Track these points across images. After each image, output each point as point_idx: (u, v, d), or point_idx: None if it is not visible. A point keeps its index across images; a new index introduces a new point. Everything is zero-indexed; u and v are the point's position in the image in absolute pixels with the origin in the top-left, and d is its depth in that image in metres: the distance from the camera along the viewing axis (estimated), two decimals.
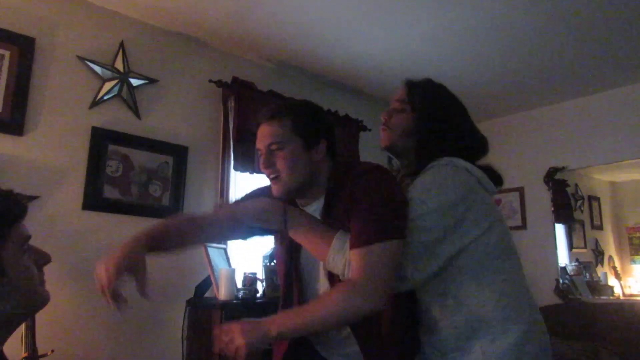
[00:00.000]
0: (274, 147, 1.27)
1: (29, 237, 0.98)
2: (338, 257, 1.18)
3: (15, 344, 1.91)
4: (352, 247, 1.16)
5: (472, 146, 1.40)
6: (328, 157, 1.34)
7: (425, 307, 1.30)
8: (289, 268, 1.41)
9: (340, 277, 1.20)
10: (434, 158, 1.30)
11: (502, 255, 1.27)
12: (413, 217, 1.19)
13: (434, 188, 1.23)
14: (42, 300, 0.98)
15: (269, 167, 1.28)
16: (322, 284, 1.34)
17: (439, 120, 1.37)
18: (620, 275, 5.57)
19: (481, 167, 1.34)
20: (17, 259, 0.93)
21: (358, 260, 1.13)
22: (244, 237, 1.54)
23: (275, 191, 1.30)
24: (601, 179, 5.97)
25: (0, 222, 0.91)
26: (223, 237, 1.65)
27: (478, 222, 1.24)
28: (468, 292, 1.23)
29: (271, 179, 1.30)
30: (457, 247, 1.21)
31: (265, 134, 1.30)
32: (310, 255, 1.31)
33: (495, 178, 1.36)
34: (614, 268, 5.63)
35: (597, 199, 5.77)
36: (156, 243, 1.48)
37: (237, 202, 1.54)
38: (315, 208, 1.33)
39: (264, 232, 1.44)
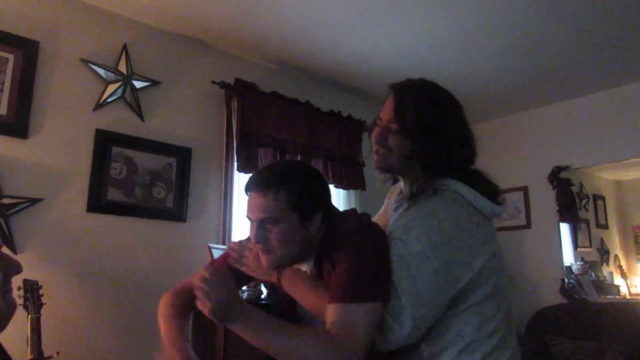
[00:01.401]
0: (268, 221, 1.19)
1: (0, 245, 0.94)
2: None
3: (20, 345, 1.92)
4: (330, 301, 1.12)
5: (470, 154, 1.32)
6: (322, 224, 1.26)
7: None
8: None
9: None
10: (439, 176, 1.24)
11: (495, 296, 1.19)
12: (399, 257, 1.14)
13: (417, 227, 1.17)
14: (5, 310, 0.92)
15: (261, 242, 1.21)
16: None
17: (436, 142, 1.25)
18: (626, 275, 5.54)
19: (478, 181, 1.27)
20: None
21: (335, 315, 1.10)
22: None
23: (265, 263, 1.24)
24: (606, 178, 5.95)
25: None
26: None
27: (470, 262, 1.15)
28: (454, 333, 1.16)
29: (261, 251, 1.23)
30: (449, 293, 1.13)
31: (258, 207, 1.20)
32: None
33: (492, 193, 1.27)
34: (620, 267, 5.60)
35: (602, 198, 5.74)
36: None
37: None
38: (305, 269, 1.30)
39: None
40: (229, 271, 1.22)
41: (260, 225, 1.19)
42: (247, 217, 1.24)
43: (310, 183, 1.25)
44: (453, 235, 1.16)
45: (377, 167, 1.35)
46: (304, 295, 1.24)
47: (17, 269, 0.97)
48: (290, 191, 1.19)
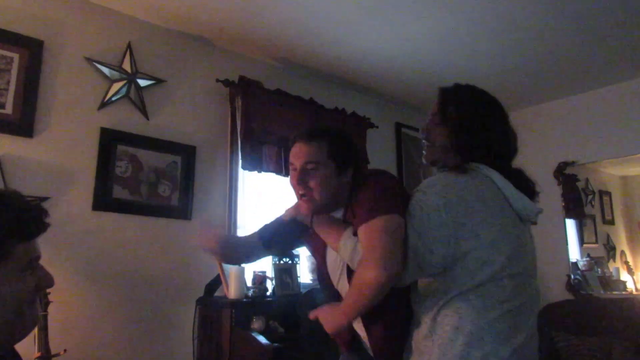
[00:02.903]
0: (310, 166, 1.39)
1: (38, 257, 0.93)
2: (348, 243, 1.29)
3: (28, 343, 1.93)
4: (356, 231, 1.26)
5: (508, 152, 1.40)
6: (352, 180, 1.45)
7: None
8: (320, 271, 1.58)
9: (349, 263, 1.32)
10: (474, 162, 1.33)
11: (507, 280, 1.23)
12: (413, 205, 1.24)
13: (438, 185, 1.27)
14: (29, 323, 0.93)
15: (301, 184, 1.40)
16: (343, 284, 1.46)
17: (474, 134, 1.35)
18: (633, 270, 5.51)
19: (515, 177, 1.34)
20: (15, 276, 0.87)
21: (362, 239, 1.23)
22: (280, 252, 1.71)
23: (304, 208, 1.43)
24: (612, 173, 5.91)
25: (10, 235, 0.86)
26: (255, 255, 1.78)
27: (478, 233, 1.21)
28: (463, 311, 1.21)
29: (301, 195, 1.41)
30: (451, 249, 1.20)
31: (302, 152, 1.41)
32: (334, 261, 1.47)
33: (526, 190, 1.35)
34: (626, 263, 5.57)
35: (608, 194, 5.71)
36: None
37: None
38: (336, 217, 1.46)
39: (295, 244, 1.70)
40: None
41: (303, 169, 1.39)
42: (291, 163, 1.44)
43: (347, 141, 1.48)
44: (469, 201, 1.23)
45: (425, 161, 1.47)
46: (329, 233, 1.39)
47: (49, 283, 0.97)
48: (331, 143, 1.41)
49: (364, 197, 1.31)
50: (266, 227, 1.65)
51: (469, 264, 1.20)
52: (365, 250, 1.21)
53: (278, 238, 1.62)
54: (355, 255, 1.26)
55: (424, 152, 1.46)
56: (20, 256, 0.88)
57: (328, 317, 1.32)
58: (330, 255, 1.50)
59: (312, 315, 1.36)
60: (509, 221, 1.27)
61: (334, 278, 1.50)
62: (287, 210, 1.53)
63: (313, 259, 1.72)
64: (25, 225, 0.89)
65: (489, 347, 1.18)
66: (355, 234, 1.28)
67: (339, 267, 1.46)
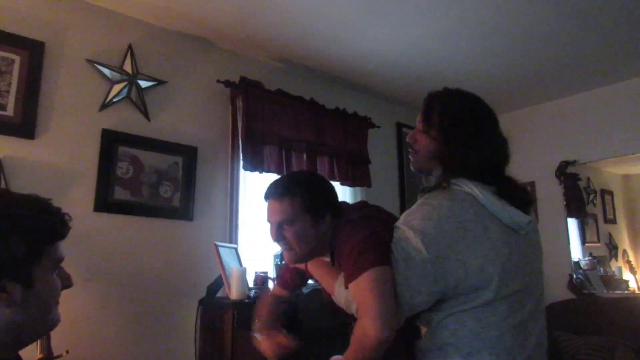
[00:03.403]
0: (285, 223, 1.40)
1: (62, 258, 0.99)
2: (341, 293, 1.32)
3: (30, 345, 1.93)
4: (346, 287, 1.27)
5: (496, 161, 1.33)
6: (333, 221, 1.44)
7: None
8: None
9: (346, 310, 1.34)
10: (455, 176, 1.29)
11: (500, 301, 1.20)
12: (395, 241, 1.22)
13: (417, 217, 1.23)
14: (52, 322, 0.99)
15: (280, 240, 1.42)
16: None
17: (459, 144, 1.30)
18: (635, 269, 5.50)
19: (506, 187, 1.28)
20: (47, 276, 0.94)
21: (353, 296, 1.24)
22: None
23: (287, 259, 1.47)
24: (614, 172, 5.91)
25: (43, 238, 0.92)
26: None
27: (464, 262, 1.17)
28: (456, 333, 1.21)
29: (284, 249, 1.45)
30: (437, 285, 1.17)
31: (276, 211, 1.41)
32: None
33: (518, 202, 1.27)
34: (629, 262, 5.56)
35: (610, 193, 5.71)
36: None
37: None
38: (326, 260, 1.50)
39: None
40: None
41: (279, 226, 1.40)
42: (268, 220, 1.44)
43: (319, 188, 1.46)
44: (449, 231, 1.18)
45: (412, 168, 1.46)
46: (322, 277, 1.46)
47: (69, 283, 1.03)
48: (303, 197, 1.40)
49: (347, 249, 1.28)
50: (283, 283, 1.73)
51: (460, 293, 1.19)
52: (360, 307, 1.21)
53: (297, 284, 1.71)
54: (351, 304, 1.27)
55: (410, 158, 1.44)
56: (52, 257, 0.95)
57: None
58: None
59: None
60: (498, 239, 1.20)
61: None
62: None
63: None
64: (55, 228, 0.97)
65: None
66: (346, 286, 1.27)
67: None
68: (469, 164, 1.28)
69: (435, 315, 1.24)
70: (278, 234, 1.41)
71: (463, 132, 1.31)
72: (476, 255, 1.17)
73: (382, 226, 1.30)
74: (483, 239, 1.19)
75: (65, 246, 1.01)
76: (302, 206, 1.39)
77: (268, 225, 1.45)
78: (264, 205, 1.47)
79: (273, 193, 1.43)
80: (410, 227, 1.21)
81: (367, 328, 1.15)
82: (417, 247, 1.17)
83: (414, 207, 1.28)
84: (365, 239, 1.25)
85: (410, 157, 1.44)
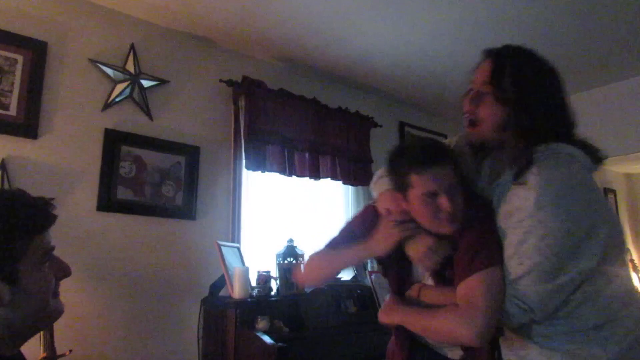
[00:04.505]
0: (453, 189, 1.24)
1: (52, 248, 0.97)
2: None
3: (33, 344, 1.94)
4: (456, 284, 1.21)
5: (570, 124, 1.26)
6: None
7: None
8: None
9: None
10: (535, 144, 1.17)
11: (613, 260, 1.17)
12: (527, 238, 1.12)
13: (549, 202, 1.11)
14: (53, 313, 0.97)
15: (454, 208, 1.23)
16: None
17: (537, 108, 1.18)
18: (638, 268, 5.49)
19: (579, 144, 1.21)
20: (34, 271, 0.91)
21: (460, 294, 1.19)
22: None
23: (450, 230, 1.26)
24: (616, 171, 5.90)
25: (21, 232, 0.89)
26: None
27: (608, 220, 1.15)
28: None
29: (446, 220, 1.25)
30: (582, 269, 1.11)
31: (444, 177, 1.23)
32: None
33: (595, 156, 1.22)
34: (631, 261, 5.55)
35: (613, 191, 5.70)
36: None
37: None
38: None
39: None
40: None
41: (448, 192, 1.22)
42: (430, 192, 1.23)
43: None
44: (589, 199, 1.14)
45: (469, 142, 1.30)
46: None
47: (66, 272, 1.01)
48: (456, 159, 1.28)
49: (467, 242, 1.22)
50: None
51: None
52: (463, 302, 1.17)
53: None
54: None
55: (466, 130, 1.27)
56: (36, 250, 0.92)
57: (386, 308, 1.35)
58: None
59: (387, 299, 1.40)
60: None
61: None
62: (386, 240, 1.35)
63: None
64: (34, 221, 0.93)
65: None
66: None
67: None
68: (551, 129, 1.19)
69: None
70: (452, 202, 1.22)
71: (541, 96, 1.20)
72: (609, 212, 1.20)
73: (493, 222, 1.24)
74: (603, 197, 1.21)
75: (67, 245, 1.00)
76: (456, 173, 1.28)
77: (429, 196, 1.23)
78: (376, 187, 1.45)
79: (434, 160, 1.24)
80: (550, 215, 1.11)
81: (462, 324, 1.13)
82: (568, 234, 1.11)
83: (530, 188, 1.13)
84: (486, 233, 1.22)
85: (467, 129, 1.27)
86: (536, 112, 1.18)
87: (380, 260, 1.54)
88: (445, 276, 1.30)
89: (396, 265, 1.44)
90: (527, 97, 1.18)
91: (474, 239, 1.22)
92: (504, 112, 1.20)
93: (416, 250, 1.29)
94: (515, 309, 1.13)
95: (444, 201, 1.22)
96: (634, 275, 5.27)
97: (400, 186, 1.30)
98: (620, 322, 1.14)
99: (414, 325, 1.28)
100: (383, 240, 1.34)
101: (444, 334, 1.19)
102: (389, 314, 1.35)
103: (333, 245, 1.48)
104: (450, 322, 1.16)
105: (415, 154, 1.27)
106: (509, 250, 1.16)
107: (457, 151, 1.37)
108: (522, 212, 1.13)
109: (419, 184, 1.23)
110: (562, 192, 1.12)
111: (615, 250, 1.19)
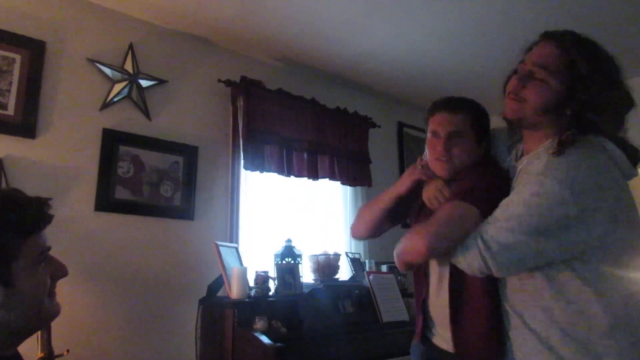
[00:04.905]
0: (455, 135, 1.42)
1: (48, 248, 0.96)
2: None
3: (31, 344, 1.93)
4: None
5: (619, 120, 1.24)
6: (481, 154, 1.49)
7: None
8: None
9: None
10: (581, 133, 1.17)
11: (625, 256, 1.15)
12: (526, 197, 1.14)
13: (560, 169, 1.12)
14: (49, 314, 0.96)
15: (446, 151, 1.42)
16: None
17: (599, 96, 1.17)
18: None
19: (618, 144, 1.21)
20: (29, 271, 0.90)
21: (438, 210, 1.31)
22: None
23: (442, 171, 1.44)
24: None
25: (14, 232, 0.88)
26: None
27: (615, 215, 1.13)
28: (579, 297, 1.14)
29: (439, 160, 1.44)
30: (572, 242, 1.12)
31: (449, 122, 1.44)
32: None
33: (634, 157, 1.23)
34: None
35: None
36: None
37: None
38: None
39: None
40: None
41: (448, 137, 1.42)
42: (434, 131, 1.46)
43: (485, 115, 1.50)
44: (601, 184, 1.12)
45: (506, 117, 1.31)
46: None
47: (63, 272, 0.99)
48: (474, 114, 1.46)
49: (468, 179, 1.36)
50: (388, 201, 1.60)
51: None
52: (432, 218, 1.27)
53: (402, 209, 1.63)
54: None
55: (506, 106, 1.28)
56: (30, 251, 0.90)
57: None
58: None
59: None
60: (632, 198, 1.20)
61: None
62: (408, 178, 1.52)
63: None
64: (28, 221, 0.91)
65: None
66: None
67: None
68: (601, 120, 1.19)
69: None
70: (447, 145, 1.42)
71: (603, 87, 1.18)
72: (623, 208, 1.18)
73: (501, 181, 1.35)
74: (627, 193, 1.21)
75: (65, 245, 0.99)
76: (472, 123, 1.44)
77: (430, 136, 1.47)
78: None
79: (447, 105, 1.47)
80: (552, 179, 1.12)
81: (419, 237, 1.23)
82: (562, 202, 1.11)
83: (553, 160, 1.14)
84: (487, 184, 1.32)
85: (508, 104, 1.28)
86: (592, 100, 1.17)
87: (402, 204, 1.60)
88: None
89: (415, 204, 1.57)
90: (587, 87, 1.17)
91: (480, 182, 1.33)
92: (553, 96, 1.20)
93: (426, 190, 1.46)
94: (472, 241, 1.17)
95: (440, 141, 1.42)
96: None
97: (426, 127, 1.51)
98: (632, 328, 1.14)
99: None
100: (406, 177, 1.53)
101: (408, 248, 1.27)
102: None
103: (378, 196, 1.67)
104: (412, 236, 1.28)
105: (438, 100, 1.50)
106: (503, 200, 1.20)
107: (492, 131, 1.51)
108: (531, 173, 1.18)
109: (430, 123, 1.48)
110: (575, 165, 1.12)
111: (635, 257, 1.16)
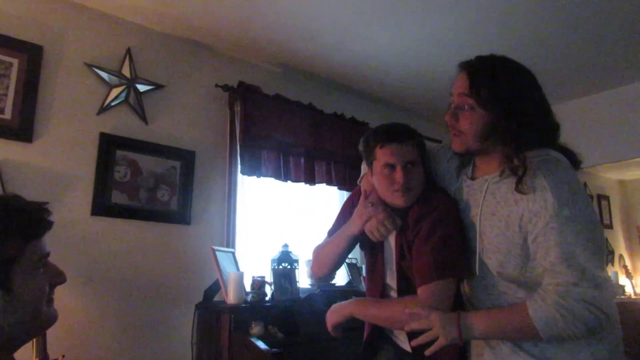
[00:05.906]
0: (410, 164, 1.41)
1: (47, 254, 0.95)
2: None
3: (26, 349, 1.92)
4: (418, 285, 1.32)
5: (552, 127, 1.30)
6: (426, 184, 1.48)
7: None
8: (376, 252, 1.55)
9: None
10: (523, 151, 1.20)
11: None
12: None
13: (573, 200, 1.15)
14: (46, 320, 0.95)
15: (406, 181, 1.38)
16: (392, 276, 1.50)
17: (517, 114, 1.20)
18: (631, 274, 5.52)
19: (562, 151, 1.26)
20: (28, 277, 0.90)
21: (422, 295, 1.30)
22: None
23: (401, 202, 1.41)
24: (610, 178, 5.94)
25: (15, 238, 0.88)
26: None
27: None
28: None
29: (399, 191, 1.40)
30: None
31: (403, 153, 1.41)
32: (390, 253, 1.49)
33: (574, 161, 1.28)
34: (625, 267, 5.58)
35: (607, 198, 5.73)
36: None
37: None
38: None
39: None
40: None
41: (404, 167, 1.39)
42: (388, 164, 1.40)
43: (422, 138, 1.50)
44: (589, 201, 1.20)
45: (455, 151, 1.36)
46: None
47: (61, 279, 0.99)
48: (417, 141, 1.45)
49: (429, 247, 1.32)
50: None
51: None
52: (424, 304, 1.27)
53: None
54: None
55: (453, 139, 1.32)
56: (30, 256, 0.90)
57: (335, 309, 1.51)
58: (387, 248, 1.50)
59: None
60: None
61: (388, 264, 1.51)
62: (360, 219, 1.46)
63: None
64: (29, 227, 0.91)
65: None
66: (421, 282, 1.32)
67: (391, 261, 1.48)
68: (542, 135, 1.24)
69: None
70: (406, 174, 1.38)
71: (523, 101, 1.22)
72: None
73: (457, 223, 1.36)
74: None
75: (61, 250, 0.99)
76: (419, 151, 1.44)
77: (382, 168, 1.41)
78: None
79: (395, 137, 1.42)
80: (578, 211, 1.15)
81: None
82: (594, 224, 1.19)
83: (542, 190, 1.15)
84: (448, 238, 1.32)
85: (452, 138, 1.32)
86: (518, 116, 1.21)
87: (361, 244, 1.61)
88: (402, 267, 1.43)
89: (369, 247, 1.56)
90: (507, 103, 1.21)
91: (439, 242, 1.31)
92: (484, 121, 1.23)
93: (370, 223, 1.42)
94: (586, 314, 1.10)
95: (398, 173, 1.38)
96: (626, 281, 5.30)
97: (369, 160, 1.46)
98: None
99: (364, 314, 1.46)
100: (357, 218, 1.47)
101: (399, 322, 1.31)
102: (338, 310, 1.51)
103: (330, 232, 1.64)
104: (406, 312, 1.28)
105: (382, 130, 1.46)
106: (550, 255, 1.13)
107: (431, 149, 1.55)
108: (545, 216, 1.14)
109: (380, 155, 1.41)
110: (574, 189, 1.16)
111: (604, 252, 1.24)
